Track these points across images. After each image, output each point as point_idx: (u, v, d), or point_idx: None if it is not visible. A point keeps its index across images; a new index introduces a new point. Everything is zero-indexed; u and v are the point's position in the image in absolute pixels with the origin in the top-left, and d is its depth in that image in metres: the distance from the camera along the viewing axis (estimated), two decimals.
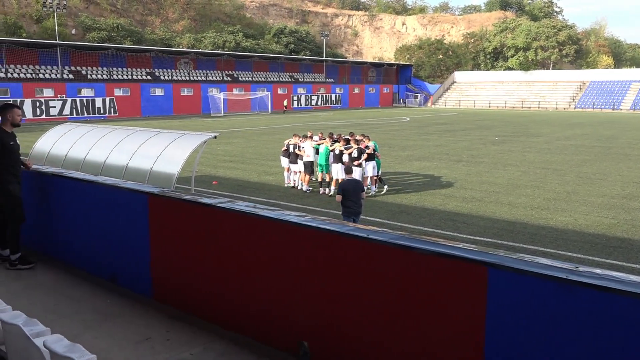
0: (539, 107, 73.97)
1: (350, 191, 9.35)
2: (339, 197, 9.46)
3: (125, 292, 6.14)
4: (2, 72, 47.55)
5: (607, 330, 3.02)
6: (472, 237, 10.49)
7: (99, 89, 51.89)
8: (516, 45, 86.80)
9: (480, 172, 18.52)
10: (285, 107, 65.39)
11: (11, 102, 5.97)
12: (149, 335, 5.08)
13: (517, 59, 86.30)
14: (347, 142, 15.32)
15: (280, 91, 68.18)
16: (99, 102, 51.38)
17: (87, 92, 51.04)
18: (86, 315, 5.56)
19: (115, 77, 55.12)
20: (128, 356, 4.67)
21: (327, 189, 15.07)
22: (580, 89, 75.82)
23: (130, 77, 56.37)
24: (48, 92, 48.45)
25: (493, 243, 10.11)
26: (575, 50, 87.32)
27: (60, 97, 48.95)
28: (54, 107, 48.18)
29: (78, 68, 53.58)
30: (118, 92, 53.10)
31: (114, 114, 52.12)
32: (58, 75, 51.18)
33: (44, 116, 47.04)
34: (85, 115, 49.68)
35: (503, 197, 14.46)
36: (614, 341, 3.01)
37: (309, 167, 15.24)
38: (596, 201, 13.92)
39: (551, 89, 77.58)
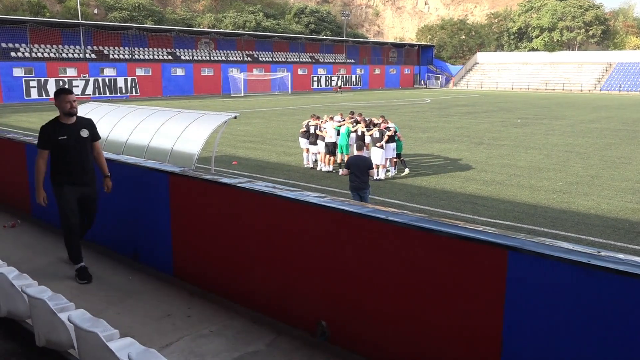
0: (563, 90, 72.55)
1: (354, 166, 9.73)
2: (344, 172, 9.83)
3: (147, 269, 6.24)
4: (26, 52, 48.13)
5: (629, 316, 2.99)
6: (492, 220, 10.41)
7: (120, 68, 52.24)
8: (541, 25, 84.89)
9: (501, 155, 18.31)
10: (340, 87, 65.78)
11: (63, 87, 5.13)
12: (170, 311, 5.18)
13: (542, 39, 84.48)
14: (369, 124, 15.26)
15: (300, 72, 67.89)
16: (120, 82, 51.78)
17: (109, 72, 51.44)
18: (109, 291, 5.68)
19: (136, 57, 55.40)
20: (149, 332, 4.76)
21: (341, 170, 15.06)
22: (607, 70, 74.07)
23: (151, 57, 56.61)
24: (71, 72, 48.94)
25: (513, 226, 10.02)
26: (602, 31, 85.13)
27: (83, 76, 49.43)
28: (77, 86, 48.68)
29: (100, 48, 53.96)
30: (139, 72, 53.41)
31: (135, 93, 52.51)
32: (81, 55, 51.63)
33: None
34: (108, 94, 50.14)
35: (524, 180, 14.30)
36: (636, 327, 2.98)
37: (331, 148, 15.22)
38: (620, 185, 13.68)
39: (576, 71, 75.95)
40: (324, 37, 77.71)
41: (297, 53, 71.02)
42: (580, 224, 10.30)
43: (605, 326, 3.08)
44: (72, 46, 52.04)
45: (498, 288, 3.49)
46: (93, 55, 52.52)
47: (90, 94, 48.60)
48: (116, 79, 51.56)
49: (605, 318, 3.08)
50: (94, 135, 5.99)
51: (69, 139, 5.66)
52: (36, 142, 6.84)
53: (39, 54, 48.92)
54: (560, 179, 14.49)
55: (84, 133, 5.78)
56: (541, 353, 3.36)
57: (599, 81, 72.85)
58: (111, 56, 53.82)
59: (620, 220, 10.60)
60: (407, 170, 15.11)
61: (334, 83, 71.61)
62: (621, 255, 3.21)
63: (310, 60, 71.85)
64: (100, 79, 50.39)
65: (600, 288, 3.08)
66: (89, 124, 5.90)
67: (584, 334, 3.17)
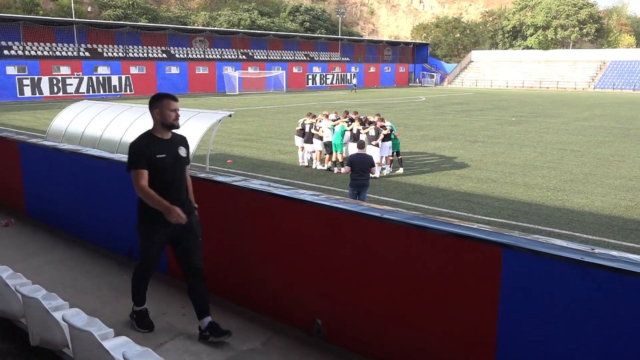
0: (557, 88, 72.78)
1: (357, 164, 9.82)
2: (346, 169, 9.91)
3: None
4: (19, 50, 47.87)
5: (623, 313, 3.01)
6: (486, 218, 10.45)
7: (114, 66, 52.04)
8: (535, 23, 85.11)
9: (496, 153, 18.36)
10: (355, 85, 66.79)
11: (164, 93, 4.45)
12: (165, 310, 5.17)
13: (536, 37, 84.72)
14: (363, 122, 15.28)
15: (295, 70, 67.83)
16: (115, 80, 51.59)
17: (103, 70, 51.23)
18: (104, 290, 5.67)
19: (131, 55, 55.21)
20: (145, 331, 4.75)
21: (342, 168, 15.07)
22: (600, 69, 74.35)
23: (145, 55, 56.43)
24: (65, 70, 48.70)
25: (508, 224, 10.06)
26: (596, 29, 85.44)
27: (77, 74, 49.21)
28: (71, 84, 48.47)
29: (94, 46, 53.73)
30: (134, 70, 53.22)
31: (129, 91, 52.33)
32: (74, 53, 51.40)
33: (60, 94, 47.41)
34: (102, 93, 49.94)
35: (519, 178, 14.34)
36: (630, 324, 3.00)
37: (330, 147, 15.22)
38: (614, 183, 13.75)
39: (570, 69, 76.20)
40: (319, 35, 77.65)
41: (292, 51, 70.95)
42: (574, 222, 10.34)
43: (599, 322, 3.10)
44: (65, 44, 51.79)
45: (493, 285, 3.50)
46: (87, 54, 52.29)
47: (84, 93, 48.41)
48: (110, 77, 51.35)
49: (599, 315, 3.10)
50: (189, 155, 4.72)
51: (167, 158, 4.39)
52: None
53: (32, 52, 48.67)
54: (554, 176, 14.54)
55: (182, 152, 4.55)
56: (536, 349, 3.38)
57: (592, 79, 73.12)
58: (105, 54, 53.61)
59: (614, 217, 10.65)
60: (401, 170, 15.13)
61: (329, 81, 71.59)
62: (615, 253, 3.22)
63: (305, 58, 71.78)
64: (94, 77, 50.17)
65: (594, 285, 3.10)
66: (184, 141, 4.66)
67: (578, 331, 3.18)
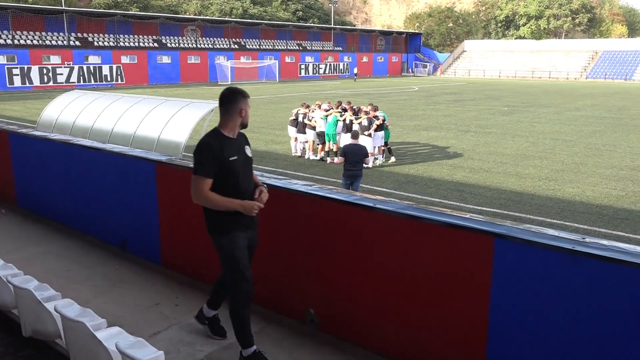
0: (549, 77, 72.91)
1: (351, 154, 9.82)
2: (339, 159, 10.01)
3: (134, 258, 6.22)
4: (9, 39, 47.30)
5: (613, 301, 3.04)
6: (479, 208, 10.49)
7: (105, 56, 51.56)
8: (528, 13, 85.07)
9: (488, 143, 18.40)
10: (356, 74, 66.84)
11: (236, 87, 4.07)
12: (159, 300, 5.17)
13: (529, 27, 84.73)
14: (356, 112, 15.26)
15: (288, 59, 67.52)
16: (105, 70, 51.14)
17: (93, 59, 50.74)
18: (96, 281, 5.66)
19: (122, 44, 54.69)
20: (138, 321, 4.75)
21: (336, 159, 15.06)
22: (592, 58, 74.53)
23: (137, 44, 55.92)
24: (55, 59, 48.19)
25: (500, 214, 10.10)
26: (589, 19, 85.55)
27: (67, 64, 48.73)
28: (61, 74, 48.00)
29: (84, 35, 53.17)
30: (125, 60, 52.76)
31: (121, 81, 51.91)
32: (65, 42, 50.85)
33: (51, 83, 46.96)
34: (93, 82, 49.52)
35: (511, 167, 14.40)
36: (619, 311, 3.03)
37: (323, 137, 15.20)
38: (605, 173, 13.83)
39: (563, 59, 76.31)
40: (312, 24, 77.22)
41: (284, 41, 70.55)
42: (565, 211, 10.41)
43: (590, 311, 3.13)
44: (55, 33, 51.20)
45: (485, 274, 3.53)
46: (77, 43, 51.74)
47: (74, 82, 47.97)
48: (101, 66, 50.89)
49: (590, 303, 3.13)
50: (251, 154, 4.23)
51: (238, 160, 3.95)
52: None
53: (22, 41, 48.08)
54: (546, 166, 14.61)
55: (248, 151, 4.13)
56: (527, 338, 3.41)
57: (585, 69, 73.30)
58: (96, 43, 53.08)
59: (605, 207, 10.73)
60: (393, 158, 15.15)
61: (321, 71, 71.36)
62: (605, 242, 3.25)
63: (297, 48, 71.43)
64: (84, 67, 49.70)
65: (585, 274, 3.13)
66: (246, 138, 4.23)
67: (569, 319, 3.21)
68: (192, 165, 5.60)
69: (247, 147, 4.13)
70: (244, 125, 4.06)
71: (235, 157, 3.91)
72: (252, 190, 4.07)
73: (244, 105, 3.98)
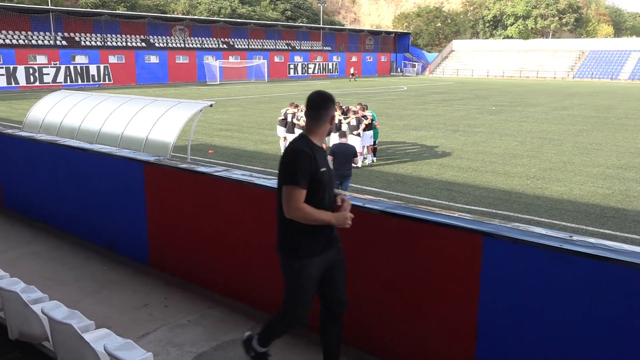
0: (537, 77, 73.46)
1: (339, 154, 9.80)
2: (328, 159, 9.82)
3: (122, 259, 6.18)
4: None
5: (601, 298, 3.07)
6: (467, 207, 10.54)
7: (93, 55, 51.16)
8: (516, 13, 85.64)
9: (476, 142, 18.50)
10: (353, 74, 66.46)
11: (326, 92, 3.65)
12: (147, 302, 5.14)
13: (517, 27, 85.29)
14: (345, 112, 15.26)
15: (276, 59, 67.43)
16: (93, 70, 50.75)
17: (80, 59, 50.34)
18: (84, 282, 5.61)
19: (109, 43, 54.31)
20: (126, 322, 4.72)
21: None
22: (579, 58, 75.20)
23: (124, 44, 55.55)
24: (41, 59, 47.75)
25: (488, 212, 10.16)
26: (575, 19, 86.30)
27: (54, 64, 48.30)
28: (48, 74, 47.57)
29: (71, 34, 52.72)
30: (112, 59, 52.40)
31: (108, 81, 51.55)
32: (51, 42, 50.39)
33: (37, 83, 46.52)
34: (80, 82, 49.12)
35: (499, 166, 14.48)
36: (606, 308, 3.05)
37: None
38: (591, 171, 13.96)
39: (550, 58, 76.92)
40: (301, 24, 77.18)
41: (273, 40, 70.45)
42: (553, 209, 10.49)
43: (577, 308, 3.16)
44: (41, 33, 50.72)
45: (473, 272, 3.54)
46: (64, 42, 51.29)
47: (61, 82, 47.57)
48: (88, 66, 50.50)
49: (578, 300, 3.15)
50: None
51: (326, 172, 3.58)
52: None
53: (7, 41, 47.57)
54: (534, 165, 14.71)
55: (330, 162, 3.80)
56: (516, 336, 3.43)
57: (572, 69, 73.94)
58: (83, 43, 52.65)
59: (592, 205, 10.83)
60: (374, 159, 15.16)
61: (310, 70, 71.32)
62: (592, 240, 3.28)
63: (286, 47, 71.37)
64: (71, 67, 49.29)
65: (572, 271, 3.15)
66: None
67: (557, 316, 3.23)
68: (180, 165, 5.60)
69: (328, 157, 3.88)
70: (329, 133, 3.81)
71: (325, 169, 3.53)
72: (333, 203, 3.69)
73: (334, 111, 3.66)
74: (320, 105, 3.59)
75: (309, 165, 3.43)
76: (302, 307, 3.65)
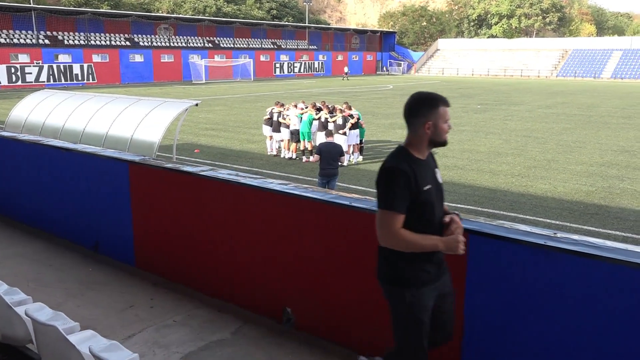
0: (521, 75, 74.10)
1: (326, 152, 9.83)
2: (315, 157, 10.04)
3: (108, 260, 6.13)
4: None
5: (584, 294, 3.11)
6: (453, 205, 10.60)
7: (76, 54, 50.61)
8: (500, 12, 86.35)
9: (462, 140, 18.62)
10: (346, 73, 66.84)
11: (437, 95, 3.13)
12: (133, 302, 5.10)
13: (501, 26, 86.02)
14: (331, 111, 15.27)
15: (262, 58, 67.26)
16: (76, 69, 50.19)
17: (64, 58, 49.76)
18: (69, 284, 5.55)
19: (93, 42, 53.77)
20: (112, 324, 4.68)
21: (311, 157, 15.05)
22: (563, 57, 76.00)
23: (108, 42, 55.05)
24: (23, 58, 47.12)
25: (474, 210, 10.23)
26: (559, 18, 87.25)
27: (37, 63, 47.71)
28: (30, 73, 46.97)
29: (54, 33, 52.12)
30: (96, 59, 51.88)
31: (92, 80, 51.04)
32: (33, 41, 49.77)
33: (19, 82, 45.91)
34: (63, 82, 48.56)
35: (484, 165, 14.59)
36: (590, 305, 3.09)
37: (296, 136, 15.18)
38: (575, 169, 14.12)
39: (534, 57, 77.64)
40: (286, 23, 77.07)
41: (259, 39, 70.25)
42: (537, 207, 10.59)
43: (561, 304, 3.19)
44: (24, 31, 50.06)
45: (459, 270, 3.56)
46: (46, 41, 50.68)
47: (44, 82, 47.00)
48: (72, 65, 49.94)
49: (562, 296, 3.19)
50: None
51: (432, 189, 3.06)
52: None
53: None
54: (518, 163, 14.85)
55: (439, 176, 3.23)
56: (501, 333, 3.46)
57: (555, 67, 74.68)
58: (66, 42, 52.07)
59: (575, 202, 10.95)
60: (360, 158, 15.21)
61: (296, 69, 71.27)
62: (576, 237, 3.32)
63: (272, 46, 71.21)
64: (54, 66, 48.71)
65: (556, 268, 3.19)
66: (434, 158, 3.28)
67: (542, 312, 3.27)
68: (166, 165, 5.56)
69: (437, 170, 3.22)
70: (436, 143, 3.07)
71: (430, 186, 3.02)
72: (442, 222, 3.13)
73: (433, 116, 3.01)
74: (410, 112, 3.08)
75: (408, 185, 2.91)
76: (422, 347, 3.09)
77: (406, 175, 2.92)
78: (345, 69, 68.53)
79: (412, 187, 2.92)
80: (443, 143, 3.08)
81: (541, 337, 3.29)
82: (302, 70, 72.44)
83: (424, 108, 3.05)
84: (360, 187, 11.95)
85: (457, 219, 3.13)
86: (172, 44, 60.42)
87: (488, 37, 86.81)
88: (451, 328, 3.29)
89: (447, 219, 3.12)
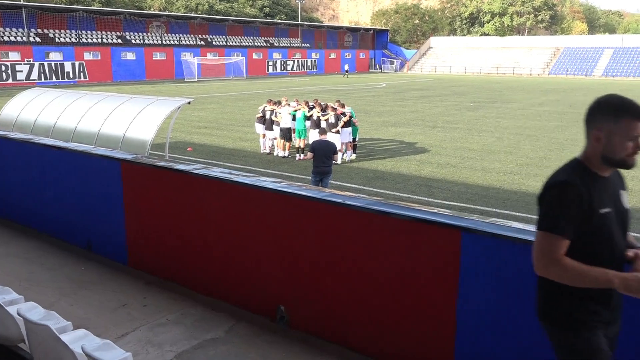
0: (513, 73, 74.36)
1: (319, 150, 9.84)
2: (309, 155, 10.04)
3: (100, 259, 6.10)
4: None
5: None
6: (446, 202, 10.63)
7: (67, 52, 50.27)
8: (492, 10, 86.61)
9: (455, 138, 18.67)
10: (347, 70, 67.69)
11: (606, 98, 2.43)
12: (126, 301, 5.08)
13: (493, 24, 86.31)
14: (324, 109, 15.26)
15: (255, 56, 67.11)
16: (68, 67, 49.86)
17: (55, 56, 49.42)
18: (61, 283, 5.52)
19: (84, 40, 53.44)
20: (105, 323, 4.67)
21: (304, 155, 15.04)
22: (554, 55, 76.34)
23: (100, 40, 54.73)
24: (14, 56, 46.76)
25: (467, 208, 10.27)
26: (550, 16, 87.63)
27: (27, 61, 47.35)
28: (21, 71, 46.62)
29: (45, 31, 51.74)
30: (88, 56, 51.56)
31: (84, 78, 50.72)
32: (24, 38, 49.39)
33: (10, 80, 45.55)
34: (54, 80, 48.22)
35: (477, 162, 14.64)
36: None
37: (286, 134, 15.16)
38: None
39: (526, 55, 77.93)
40: (279, 20, 76.92)
41: (251, 37, 70.06)
42: (530, 204, 10.63)
43: None
44: (14, 29, 49.64)
45: (452, 267, 3.58)
46: (37, 39, 50.31)
47: (35, 80, 46.65)
48: (63, 63, 49.61)
49: None
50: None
51: (611, 213, 2.48)
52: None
53: None
54: (511, 161, 14.90)
55: (626, 200, 2.61)
56: (494, 329, 3.47)
57: (547, 65, 74.99)
58: (57, 39, 51.72)
59: None
60: (353, 156, 15.21)
61: (289, 67, 71.20)
62: None
63: (265, 44, 71.06)
64: (45, 64, 48.37)
65: None
66: (623, 179, 2.68)
67: (533, 309, 3.28)
68: (158, 163, 5.54)
69: (622, 192, 2.60)
70: (610, 162, 2.45)
71: (609, 210, 2.45)
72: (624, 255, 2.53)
73: (609, 126, 2.40)
74: (590, 113, 2.51)
75: (579, 204, 2.39)
76: None
77: (578, 195, 2.39)
78: (346, 67, 69.13)
79: (584, 207, 2.39)
80: (619, 163, 2.44)
81: (534, 334, 3.30)
82: (295, 68, 72.33)
83: (600, 114, 2.46)
84: (353, 185, 11.96)
85: None
86: (164, 42, 60.15)
87: (480, 35, 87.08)
88: None
89: (630, 253, 2.53)
